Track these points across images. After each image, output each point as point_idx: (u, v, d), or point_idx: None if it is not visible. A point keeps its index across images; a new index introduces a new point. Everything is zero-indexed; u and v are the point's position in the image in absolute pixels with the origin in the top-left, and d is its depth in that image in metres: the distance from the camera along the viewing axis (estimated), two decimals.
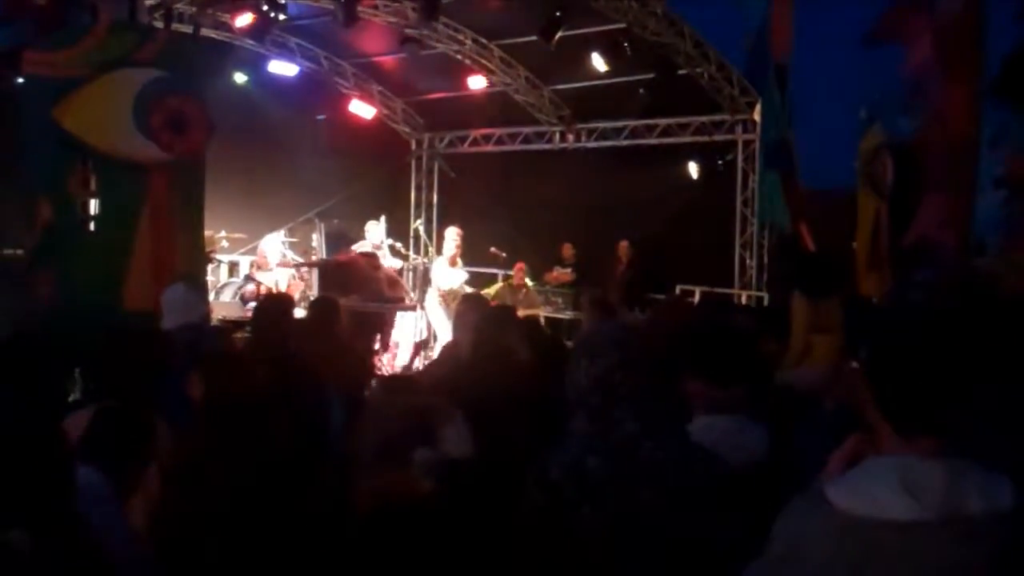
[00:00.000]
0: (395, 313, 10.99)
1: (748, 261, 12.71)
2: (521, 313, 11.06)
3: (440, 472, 2.61)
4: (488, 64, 12.90)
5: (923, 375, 1.79)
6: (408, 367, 10.55)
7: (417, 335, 11.47)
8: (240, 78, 12.38)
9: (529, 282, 12.09)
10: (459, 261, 11.13)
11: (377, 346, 10.64)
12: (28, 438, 2.16)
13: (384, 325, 10.81)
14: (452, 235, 11.09)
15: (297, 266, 11.60)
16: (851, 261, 7.82)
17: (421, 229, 14.34)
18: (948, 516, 1.71)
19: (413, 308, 11.51)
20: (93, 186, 7.05)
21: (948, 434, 1.80)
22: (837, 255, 7.38)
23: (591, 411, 2.55)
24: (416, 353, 10.89)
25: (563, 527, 2.42)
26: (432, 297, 11.10)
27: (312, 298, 9.88)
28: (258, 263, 11.47)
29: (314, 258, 12.09)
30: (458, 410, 2.88)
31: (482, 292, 11.45)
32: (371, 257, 10.85)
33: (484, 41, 12.64)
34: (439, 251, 11.80)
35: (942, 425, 1.79)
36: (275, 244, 11.70)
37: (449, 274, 10.97)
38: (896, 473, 1.76)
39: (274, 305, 5.93)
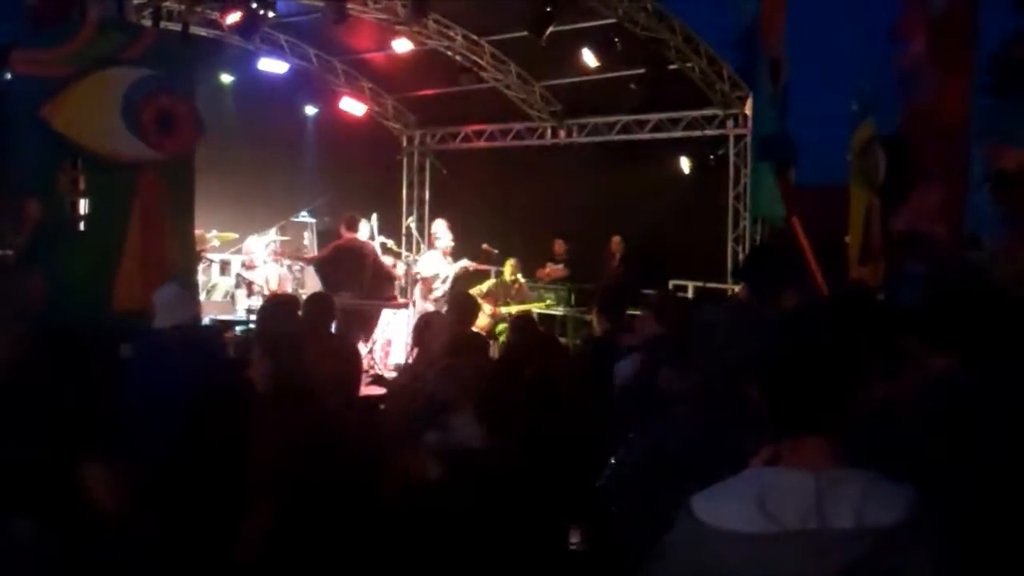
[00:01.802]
0: (379, 310, 10.99)
1: (741, 256, 12.71)
2: (513, 309, 11.16)
3: (450, 458, 2.63)
4: (479, 60, 12.86)
5: (790, 376, 1.83)
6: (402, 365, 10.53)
7: (410, 333, 11.42)
8: (229, 76, 12.33)
9: (521, 278, 12.07)
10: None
11: (370, 344, 10.62)
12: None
13: (369, 321, 10.79)
14: (443, 227, 11.23)
15: (293, 258, 11.57)
16: (844, 254, 7.83)
17: (413, 226, 14.30)
18: (799, 530, 1.71)
19: (405, 306, 11.50)
20: (82, 186, 7.02)
21: (835, 435, 1.80)
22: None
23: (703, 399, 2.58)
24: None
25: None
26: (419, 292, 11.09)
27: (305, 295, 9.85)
28: (247, 263, 11.44)
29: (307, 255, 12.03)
30: (470, 403, 2.90)
31: (474, 288, 11.47)
32: (357, 249, 10.77)
33: (475, 38, 12.60)
34: (431, 246, 11.79)
35: (825, 426, 1.80)
36: (259, 243, 11.67)
37: (437, 263, 11.10)
38: (756, 486, 1.79)
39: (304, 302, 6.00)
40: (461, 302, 6.64)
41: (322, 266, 10.81)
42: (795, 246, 8.02)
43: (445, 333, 5.36)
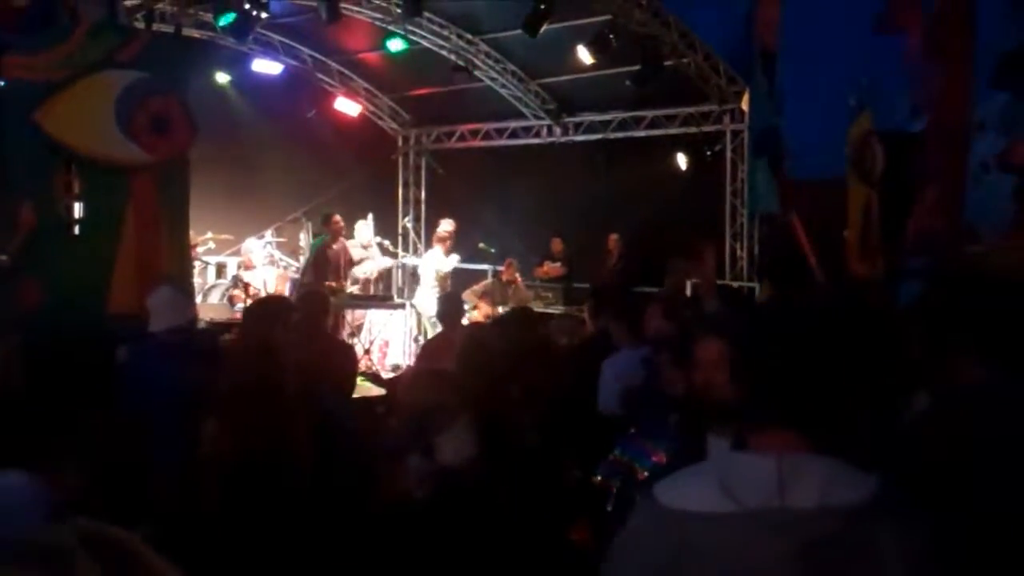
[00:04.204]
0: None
1: (738, 252, 12.70)
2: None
3: (434, 481, 2.58)
4: (474, 59, 12.83)
5: (762, 365, 1.85)
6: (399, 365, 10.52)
7: (407, 333, 11.42)
8: (223, 78, 12.28)
9: (519, 277, 12.04)
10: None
11: (367, 344, 10.59)
12: None
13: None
14: (448, 226, 11.46)
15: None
16: (842, 250, 7.80)
17: (410, 226, 14.26)
18: (760, 509, 1.71)
19: (402, 306, 11.49)
20: (76, 189, 6.98)
21: (810, 432, 1.79)
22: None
23: None
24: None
25: None
26: (426, 290, 11.08)
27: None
28: (244, 263, 11.41)
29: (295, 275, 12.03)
30: (463, 412, 2.84)
31: (470, 288, 11.46)
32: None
33: (469, 36, 12.57)
34: (430, 246, 11.84)
35: (797, 421, 1.80)
36: (258, 245, 11.66)
37: (444, 259, 11.29)
38: (717, 469, 1.82)
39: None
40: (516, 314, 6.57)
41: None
42: (794, 242, 8.00)
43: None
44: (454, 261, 11.49)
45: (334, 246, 11.21)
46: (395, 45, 12.24)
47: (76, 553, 1.19)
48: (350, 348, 6.46)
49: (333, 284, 10.70)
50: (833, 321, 1.95)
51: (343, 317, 10.63)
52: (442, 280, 11.39)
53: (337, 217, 11.29)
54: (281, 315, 5.44)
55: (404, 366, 10.33)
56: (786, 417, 1.81)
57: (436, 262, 11.42)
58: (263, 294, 10.92)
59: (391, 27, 11.77)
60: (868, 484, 1.74)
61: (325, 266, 11.00)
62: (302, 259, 12.65)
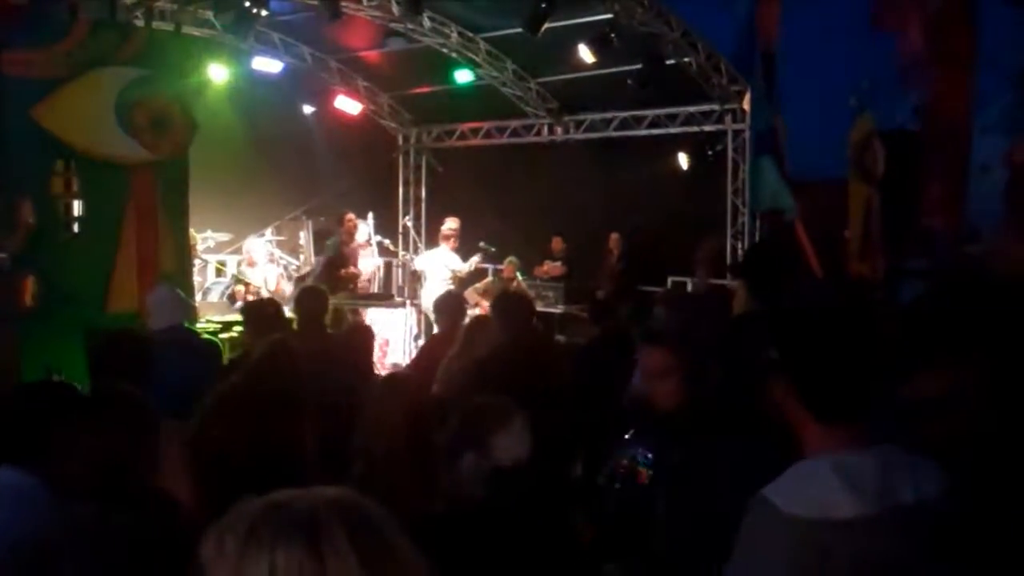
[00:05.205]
0: None
1: (740, 251, 12.66)
2: None
3: (489, 480, 2.56)
4: (475, 58, 12.81)
5: (841, 360, 1.89)
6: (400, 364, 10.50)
7: (408, 331, 11.41)
8: (223, 75, 12.25)
9: (519, 276, 12.02)
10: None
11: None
12: None
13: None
14: (453, 223, 11.54)
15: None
16: (843, 250, 7.78)
17: (410, 225, 14.24)
18: (886, 508, 1.75)
19: (402, 305, 11.48)
20: (76, 187, 6.98)
21: (866, 420, 1.88)
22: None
23: None
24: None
25: None
26: (436, 288, 11.05)
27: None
28: (247, 261, 11.40)
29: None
30: (519, 412, 2.82)
31: (471, 287, 11.46)
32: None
33: (470, 35, 12.54)
34: (431, 244, 11.86)
35: (862, 411, 1.88)
36: (259, 243, 11.66)
37: (454, 257, 11.45)
38: (834, 471, 1.81)
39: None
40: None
41: None
42: (794, 242, 7.98)
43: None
44: (474, 262, 11.64)
45: (351, 244, 11.28)
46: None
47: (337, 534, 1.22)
48: (367, 329, 6.37)
49: (351, 271, 11.00)
50: (874, 317, 2.00)
51: (353, 313, 10.70)
52: (458, 280, 11.47)
53: (351, 216, 11.37)
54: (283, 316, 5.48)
55: (404, 365, 10.31)
56: (856, 413, 1.88)
57: (449, 260, 11.43)
58: (264, 292, 10.92)
59: (392, 25, 11.74)
60: (936, 473, 1.82)
61: (342, 265, 11.07)
62: (302, 257, 12.66)
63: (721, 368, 2.82)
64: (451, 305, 6.95)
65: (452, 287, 11.09)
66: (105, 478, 2.61)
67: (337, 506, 1.27)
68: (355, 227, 11.40)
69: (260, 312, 5.60)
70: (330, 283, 10.43)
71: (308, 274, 11.43)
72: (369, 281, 12.22)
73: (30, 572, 2.42)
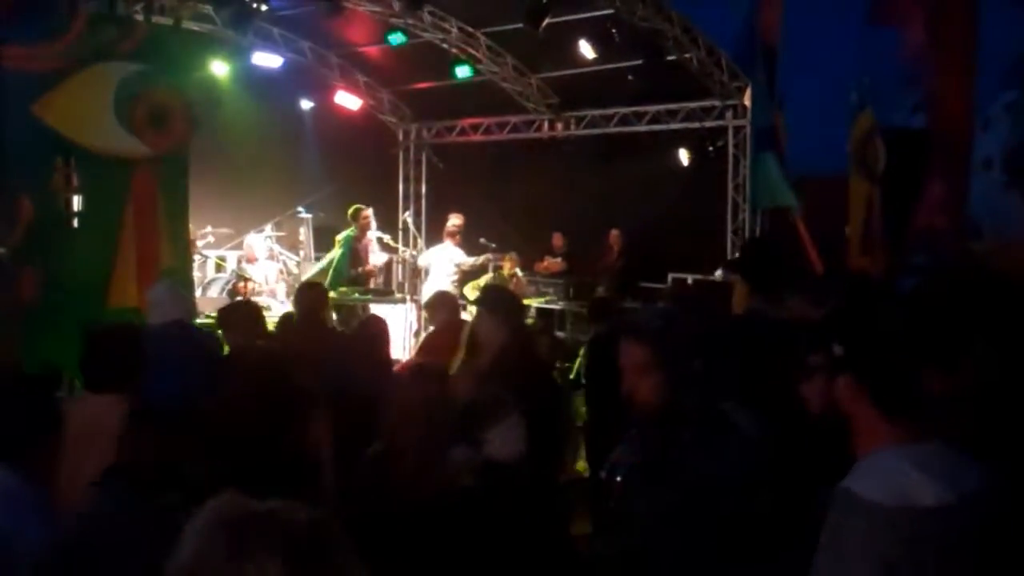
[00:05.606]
0: None
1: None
2: None
3: (480, 472, 2.59)
4: (475, 53, 12.78)
5: (910, 358, 1.98)
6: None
7: (408, 327, 11.40)
8: (223, 70, 12.23)
9: (519, 272, 12.02)
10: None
11: None
12: None
13: None
14: (457, 219, 11.64)
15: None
16: (844, 245, 7.78)
17: (410, 221, 14.22)
18: (960, 496, 1.84)
19: (402, 301, 11.47)
20: (76, 182, 6.96)
21: (926, 415, 1.97)
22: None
23: None
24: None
25: None
26: (440, 284, 11.02)
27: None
28: (247, 256, 11.39)
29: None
30: (516, 408, 2.84)
31: (471, 283, 11.45)
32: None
33: (470, 30, 12.52)
34: (432, 241, 11.86)
35: (924, 406, 1.96)
36: (259, 239, 11.64)
37: (460, 252, 11.52)
38: (911, 462, 1.88)
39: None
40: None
41: None
42: (795, 237, 7.97)
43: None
44: (480, 259, 11.70)
45: (364, 240, 11.26)
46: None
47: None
48: (380, 320, 6.33)
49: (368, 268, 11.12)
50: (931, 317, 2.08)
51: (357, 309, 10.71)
52: (462, 274, 11.52)
53: (366, 212, 11.32)
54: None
55: (404, 360, 10.30)
56: (919, 408, 1.96)
57: (454, 256, 11.45)
58: (264, 288, 10.91)
59: (392, 20, 11.73)
60: (972, 470, 1.91)
61: (357, 261, 11.09)
62: (301, 253, 12.64)
63: (704, 364, 2.80)
64: (444, 303, 6.95)
65: (457, 283, 11.11)
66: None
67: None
68: (369, 223, 11.36)
69: (234, 314, 5.62)
70: (348, 279, 10.56)
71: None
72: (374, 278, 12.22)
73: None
